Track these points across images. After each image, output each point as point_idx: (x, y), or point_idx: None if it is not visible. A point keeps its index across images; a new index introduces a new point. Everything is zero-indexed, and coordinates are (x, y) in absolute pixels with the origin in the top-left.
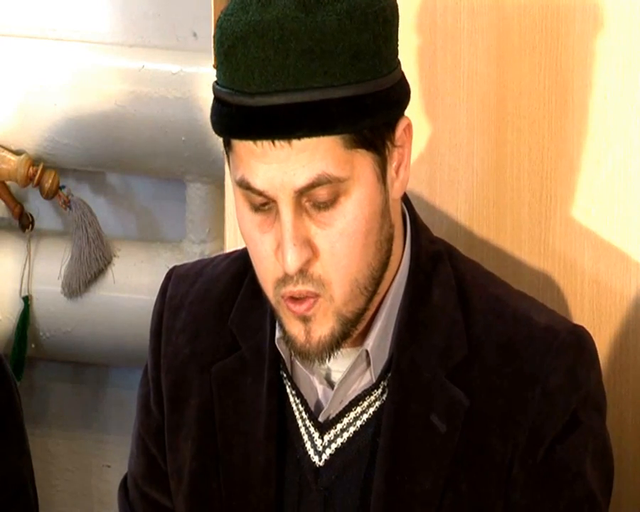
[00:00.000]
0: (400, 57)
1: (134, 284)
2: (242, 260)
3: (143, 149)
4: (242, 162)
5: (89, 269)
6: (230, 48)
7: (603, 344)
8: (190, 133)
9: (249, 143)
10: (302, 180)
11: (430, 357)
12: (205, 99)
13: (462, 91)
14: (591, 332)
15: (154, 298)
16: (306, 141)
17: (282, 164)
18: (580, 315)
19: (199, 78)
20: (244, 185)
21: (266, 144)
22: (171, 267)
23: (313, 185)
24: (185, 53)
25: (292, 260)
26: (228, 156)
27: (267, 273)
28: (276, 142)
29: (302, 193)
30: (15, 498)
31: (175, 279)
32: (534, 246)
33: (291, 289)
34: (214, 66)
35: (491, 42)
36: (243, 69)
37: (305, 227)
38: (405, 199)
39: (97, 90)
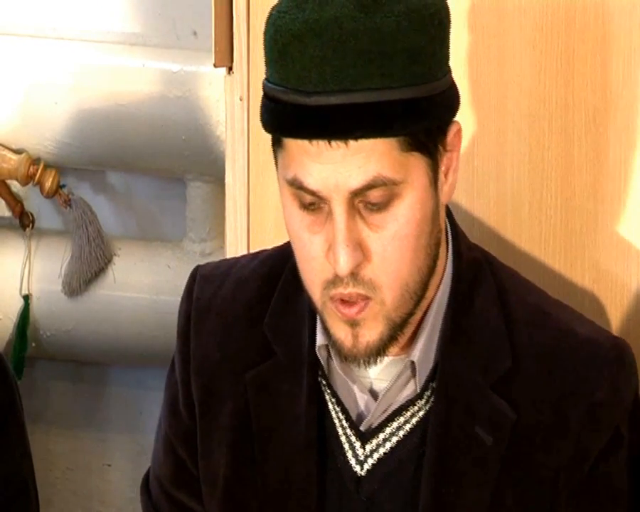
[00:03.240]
0: None
1: (134, 283)
2: (272, 261)
3: (143, 148)
4: (295, 161)
5: (90, 268)
6: (285, 45)
7: None
8: (190, 132)
9: (304, 142)
10: (357, 181)
11: (474, 367)
12: (206, 98)
13: (462, 90)
14: None
15: (155, 297)
16: (362, 143)
17: (337, 165)
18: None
19: (199, 77)
20: (296, 185)
21: (322, 143)
22: (171, 266)
23: (368, 187)
24: (185, 52)
25: (345, 262)
26: (276, 155)
27: (314, 274)
28: (333, 142)
29: (356, 195)
30: (16, 497)
31: (200, 279)
32: (534, 246)
33: (342, 291)
34: (214, 65)
35: (491, 41)
36: (299, 68)
37: (357, 229)
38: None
39: (97, 89)
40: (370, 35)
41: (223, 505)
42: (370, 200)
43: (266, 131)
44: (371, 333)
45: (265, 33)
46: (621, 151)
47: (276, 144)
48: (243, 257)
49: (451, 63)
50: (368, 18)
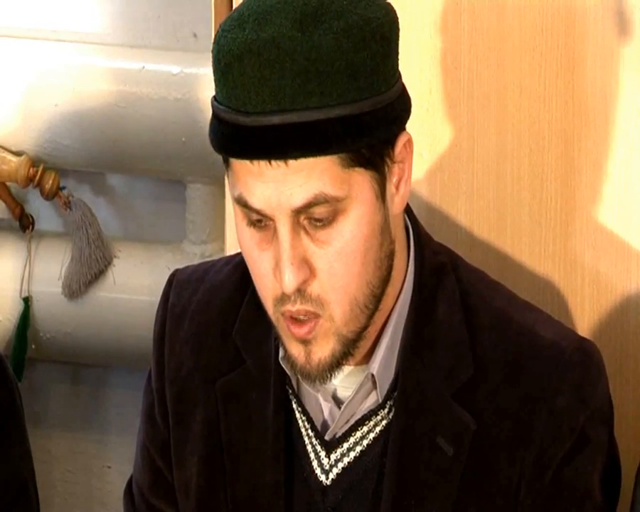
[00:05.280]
0: (400, 57)
1: (134, 285)
2: (243, 267)
3: (143, 150)
4: (240, 180)
5: (90, 270)
6: (227, 66)
7: (603, 344)
8: (190, 134)
9: (246, 162)
10: (299, 200)
11: (436, 377)
12: (206, 100)
13: (462, 92)
14: (591, 332)
15: (155, 299)
16: (302, 161)
17: (279, 184)
18: (580, 315)
19: (199, 79)
20: (242, 203)
21: (262, 163)
22: (171, 267)
23: (310, 204)
24: (185, 54)
25: (289, 280)
26: (227, 172)
27: (266, 290)
28: (273, 162)
29: (299, 212)
30: (16, 499)
31: (177, 285)
32: (534, 247)
33: (290, 308)
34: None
35: (491, 42)
36: (239, 88)
37: (303, 246)
38: (408, 210)
39: (97, 91)
40: (307, 54)
41: None
42: (314, 216)
43: (214, 150)
44: (323, 350)
45: (212, 52)
46: (621, 153)
47: (225, 162)
48: (219, 260)
49: (452, 65)
50: (305, 37)
